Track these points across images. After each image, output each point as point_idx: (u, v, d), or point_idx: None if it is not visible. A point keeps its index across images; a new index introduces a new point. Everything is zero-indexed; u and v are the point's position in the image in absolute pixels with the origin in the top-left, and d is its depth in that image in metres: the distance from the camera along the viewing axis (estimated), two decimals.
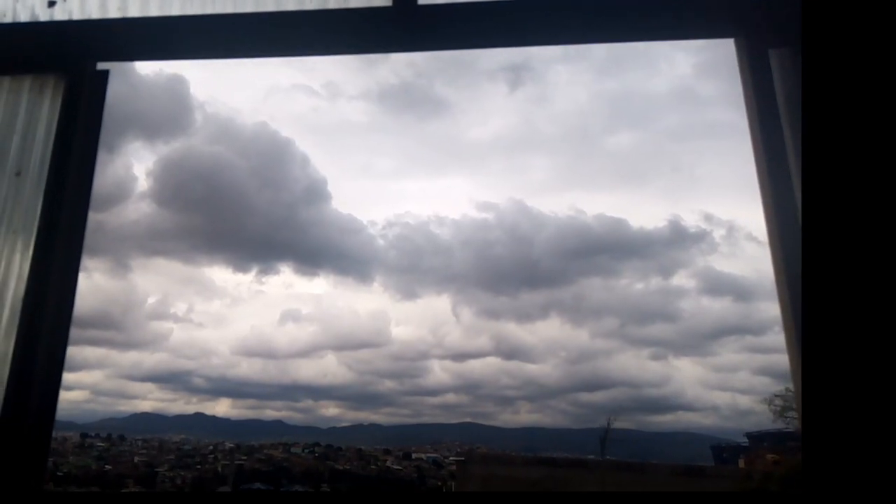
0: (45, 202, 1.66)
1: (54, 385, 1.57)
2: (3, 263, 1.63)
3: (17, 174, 1.72)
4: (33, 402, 1.50)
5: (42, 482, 1.48)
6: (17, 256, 1.61)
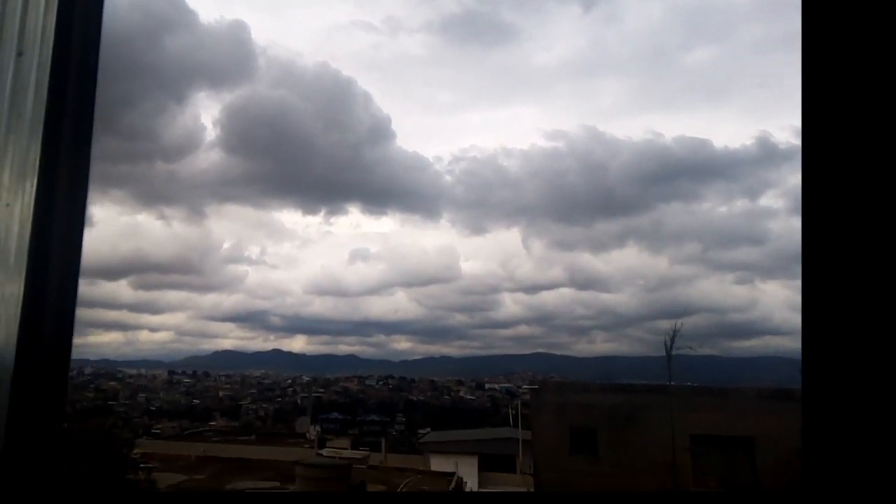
0: (50, 82, 1.57)
1: (69, 309, 1.50)
2: (11, 152, 1.57)
3: (19, 54, 1.63)
4: (47, 335, 1.45)
5: (60, 422, 1.44)
6: (24, 140, 1.55)
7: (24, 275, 1.41)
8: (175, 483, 19.74)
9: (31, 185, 1.50)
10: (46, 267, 1.44)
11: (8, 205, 1.52)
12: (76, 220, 1.49)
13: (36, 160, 1.51)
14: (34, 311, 1.39)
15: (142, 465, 16.49)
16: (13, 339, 1.39)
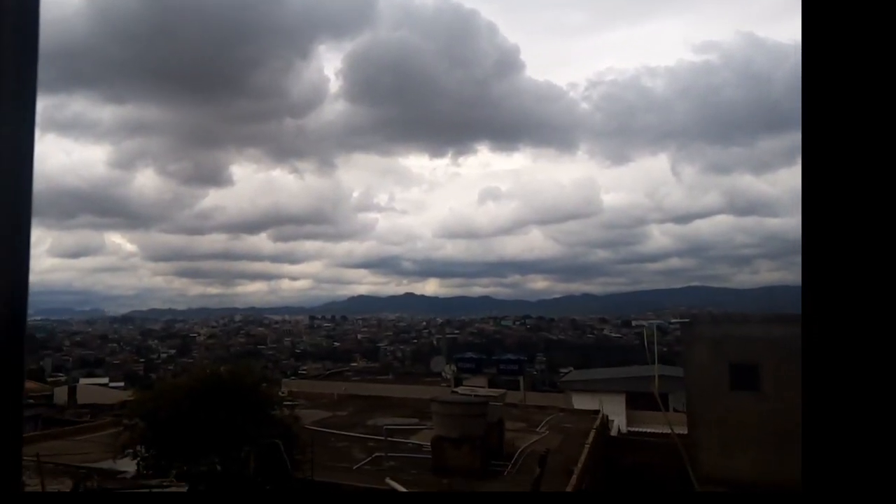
0: None
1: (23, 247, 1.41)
2: None
3: None
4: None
5: (22, 375, 1.38)
6: None
7: None
8: (319, 419, 21.58)
9: None
10: None
11: None
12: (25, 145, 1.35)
13: None
14: None
15: (286, 403, 18.07)
16: None
